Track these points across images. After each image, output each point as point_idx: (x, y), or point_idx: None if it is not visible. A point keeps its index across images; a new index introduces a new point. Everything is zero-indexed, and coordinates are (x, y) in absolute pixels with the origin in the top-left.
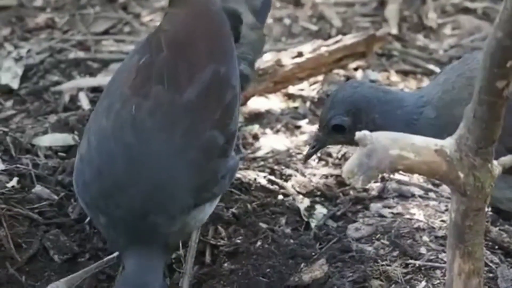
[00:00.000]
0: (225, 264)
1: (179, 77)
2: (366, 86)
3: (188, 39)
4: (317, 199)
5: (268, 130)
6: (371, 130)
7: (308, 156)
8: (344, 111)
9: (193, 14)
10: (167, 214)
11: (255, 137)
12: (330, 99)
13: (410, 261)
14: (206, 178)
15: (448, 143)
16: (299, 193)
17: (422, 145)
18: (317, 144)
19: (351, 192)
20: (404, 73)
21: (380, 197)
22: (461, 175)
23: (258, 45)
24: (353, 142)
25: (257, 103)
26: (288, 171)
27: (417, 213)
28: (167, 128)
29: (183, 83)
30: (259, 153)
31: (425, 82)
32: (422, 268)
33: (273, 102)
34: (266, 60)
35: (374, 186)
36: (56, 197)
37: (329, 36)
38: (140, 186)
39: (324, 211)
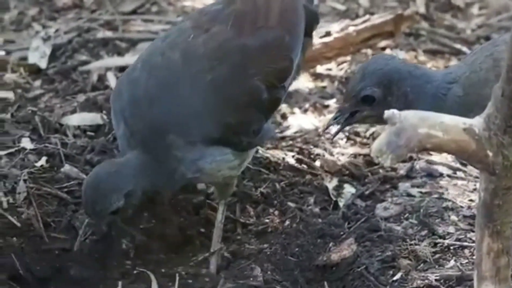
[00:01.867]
0: (254, 243)
1: (244, 24)
2: (397, 59)
3: (266, 4)
4: (346, 178)
5: (296, 110)
6: (401, 103)
7: (327, 127)
8: (375, 83)
9: None
10: (187, 139)
11: (284, 117)
12: (361, 70)
13: (439, 240)
14: (236, 119)
15: (476, 122)
16: (327, 172)
17: (450, 123)
18: (341, 115)
19: (380, 171)
20: (432, 53)
21: (408, 176)
22: (490, 153)
23: (310, 30)
24: (378, 116)
25: None
26: (317, 151)
27: (446, 193)
28: (215, 59)
29: (246, 30)
30: (288, 133)
31: (453, 61)
32: (451, 248)
33: (301, 82)
34: None
35: (403, 166)
36: (84, 176)
37: (357, 16)
38: (168, 104)
39: (353, 190)
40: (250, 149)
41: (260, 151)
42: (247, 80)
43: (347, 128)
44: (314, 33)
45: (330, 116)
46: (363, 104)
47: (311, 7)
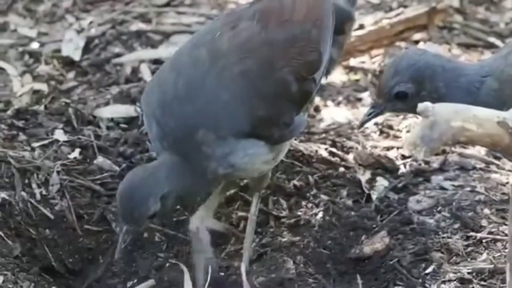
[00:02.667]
0: (286, 236)
1: (271, 18)
2: (429, 54)
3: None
4: (378, 171)
5: (329, 103)
6: (433, 98)
7: (363, 122)
8: (409, 78)
9: None
10: (217, 133)
11: (317, 110)
12: (394, 66)
13: (471, 233)
14: (267, 112)
15: (510, 115)
16: (360, 165)
17: (484, 117)
18: (374, 111)
19: (413, 164)
20: (465, 46)
21: (441, 169)
22: None
23: (350, 29)
24: (411, 110)
25: None
26: (349, 143)
27: (478, 186)
28: (241, 53)
29: (272, 24)
30: (321, 126)
31: (486, 55)
32: (483, 241)
33: (335, 75)
34: None
35: (435, 159)
36: (117, 168)
37: (391, 9)
38: (197, 100)
39: (385, 183)
40: (283, 142)
41: (293, 144)
42: (275, 72)
43: (379, 120)
44: (350, 31)
45: (363, 109)
46: (396, 99)
47: (343, 6)
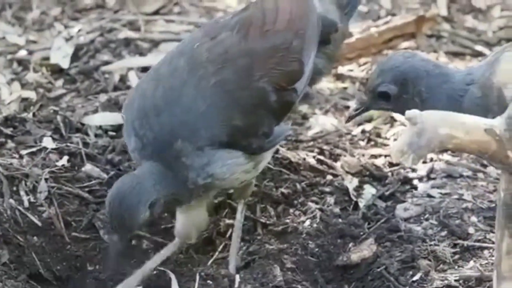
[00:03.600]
0: (274, 243)
1: (251, 28)
2: (417, 58)
3: (273, 7)
4: (366, 179)
5: (317, 110)
6: (416, 101)
7: (350, 118)
8: (392, 80)
9: None
10: (195, 144)
11: (305, 117)
12: (380, 66)
13: (458, 241)
14: (244, 122)
15: (497, 123)
16: (348, 173)
17: (471, 124)
18: (361, 107)
19: (400, 172)
20: (453, 54)
21: (428, 177)
22: (511, 154)
23: (339, 40)
24: (395, 110)
25: None
26: (337, 151)
27: (466, 194)
28: (219, 63)
29: (252, 34)
30: (309, 133)
31: (474, 63)
32: (470, 248)
33: (323, 83)
34: None
35: (423, 167)
36: (106, 175)
37: (379, 17)
38: (174, 111)
39: (373, 191)
40: (262, 152)
41: (280, 152)
42: (253, 82)
43: (366, 128)
44: (339, 42)
45: None
46: (380, 99)
47: (329, 16)
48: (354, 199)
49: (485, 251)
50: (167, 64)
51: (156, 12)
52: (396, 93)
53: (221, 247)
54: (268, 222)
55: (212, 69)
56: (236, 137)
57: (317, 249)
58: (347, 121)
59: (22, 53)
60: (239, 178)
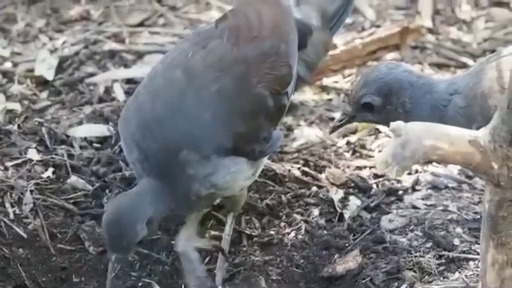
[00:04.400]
0: (259, 255)
1: (240, 36)
2: (401, 69)
3: (255, 14)
4: (351, 190)
5: (302, 122)
6: (400, 112)
7: (334, 129)
8: (375, 91)
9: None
10: (200, 152)
11: (289, 129)
12: (364, 77)
13: (444, 252)
14: (247, 128)
15: (482, 134)
16: (333, 184)
17: (456, 135)
18: (345, 118)
19: (385, 184)
20: (438, 66)
21: (413, 188)
22: (495, 165)
23: (321, 50)
24: (379, 122)
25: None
26: (322, 163)
27: (451, 205)
28: (217, 71)
29: (242, 41)
30: (293, 145)
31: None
32: (456, 260)
33: (307, 94)
34: None
35: (408, 178)
36: (91, 187)
37: (363, 29)
38: (177, 120)
39: (358, 202)
40: (263, 157)
41: (265, 163)
42: (251, 88)
43: (351, 139)
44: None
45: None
46: (364, 110)
47: (303, 20)
48: (339, 210)
49: (471, 262)
50: (161, 76)
51: (140, 24)
52: (380, 104)
53: (207, 259)
54: (253, 233)
55: (211, 78)
56: (240, 143)
57: (302, 261)
58: (331, 131)
59: (7, 65)
60: (240, 185)
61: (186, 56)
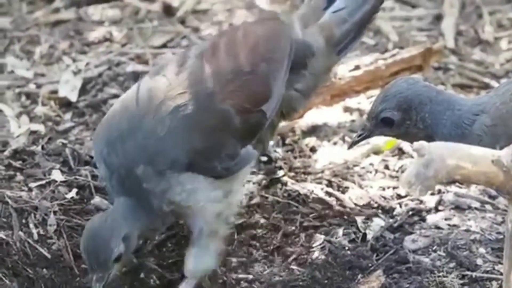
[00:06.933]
0: (283, 275)
1: (218, 53)
2: (420, 84)
3: (242, 32)
4: (374, 210)
5: (325, 143)
6: (419, 128)
7: (353, 144)
8: (395, 106)
9: (260, 20)
10: (155, 168)
11: (313, 150)
12: (383, 92)
13: (467, 272)
14: (204, 144)
15: (505, 153)
16: (356, 205)
17: (479, 155)
18: (364, 133)
19: (408, 204)
20: (461, 87)
21: (436, 208)
22: None
23: (322, 72)
24: (398, 137)
25: (314, 116)
26: (345, 183)
27: (474, 225)
28: (180, 89)
29: (219, 59)
30: (317, 166)
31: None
32: (479, 280)
33: (330, 115)
34: None
35: (431, 198)
36: None
37: (386, 50)
38: (137, 137)
39: (381, 222)
40: (228, 176)
41: (289, 184)
42: (213, 104)
43: (375, 160)
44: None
45: (359, 149)
46: (383, 125)
47: (305, 40)
48: (363, 230)
49: (494, 282)
50: (131, 92)
51: (163, 46)
52: (399, 119)
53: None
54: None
55: (173, 95)
56: (197, 159)
57: (325, 281)
58: (350, 146)
59: (31, 87)
60: (208, 208)
61: (158, 74)
